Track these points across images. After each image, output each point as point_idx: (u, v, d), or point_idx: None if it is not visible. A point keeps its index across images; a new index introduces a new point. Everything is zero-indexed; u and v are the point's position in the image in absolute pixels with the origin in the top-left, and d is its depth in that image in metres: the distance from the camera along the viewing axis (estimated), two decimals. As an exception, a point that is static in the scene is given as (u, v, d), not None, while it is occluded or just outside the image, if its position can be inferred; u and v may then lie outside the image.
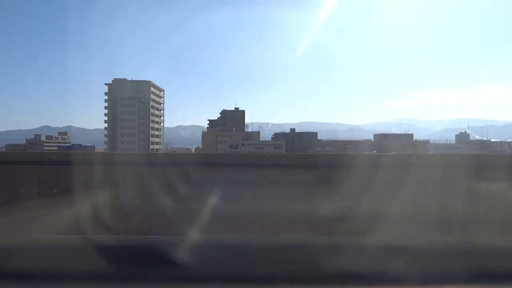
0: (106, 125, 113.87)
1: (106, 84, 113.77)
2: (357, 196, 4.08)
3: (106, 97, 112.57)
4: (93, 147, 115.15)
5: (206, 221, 4.12)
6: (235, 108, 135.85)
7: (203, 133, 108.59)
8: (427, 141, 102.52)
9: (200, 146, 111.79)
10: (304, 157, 5.09)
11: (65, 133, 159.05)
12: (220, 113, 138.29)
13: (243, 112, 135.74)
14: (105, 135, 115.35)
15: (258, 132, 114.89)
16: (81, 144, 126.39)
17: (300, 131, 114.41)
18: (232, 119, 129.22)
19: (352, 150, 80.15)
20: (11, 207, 4.17)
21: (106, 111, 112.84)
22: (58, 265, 1.57)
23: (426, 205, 4.13)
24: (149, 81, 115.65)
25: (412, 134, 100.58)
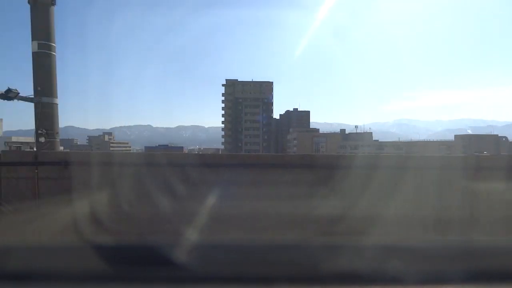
0: (223, 125, 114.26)
1: (223, 85, 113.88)
2: (356, 197, 4.08)
3: (223, 98, 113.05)
4: (181, 148, 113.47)
5: (204, 221, 4.13)
6: (293, 108, 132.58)
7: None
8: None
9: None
10: (303, 158, 5.10)
11: (110, 133, 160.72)
12: (283, 114, 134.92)
13: (308, 112, 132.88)
14: (223, 136, 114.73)
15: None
16: (167, 145, 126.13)
17: (355, 131, 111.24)
18: (297, 119, 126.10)
19: (444, 151, 74.55)
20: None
21: (223, 112, 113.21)
22: (57, 265, 1.58)
23: (424, 205, 4.13)
24: (271, 82, 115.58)
25: (497, 134, 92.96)
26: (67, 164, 4.57)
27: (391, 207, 4.03)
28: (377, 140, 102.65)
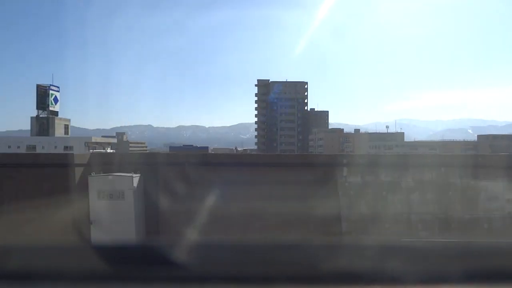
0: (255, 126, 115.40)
1: (256, 85, 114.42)
2: (355, 196, 4.08)
3: (256, 98, 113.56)
4: (206, 148, 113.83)
5: (204, 221, 4.13)
6: (310, 108, 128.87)
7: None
8: None
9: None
10: (303, 157, 5.09)
11: (123, 133, 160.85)
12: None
13: (326, 112, 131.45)
14: (256, 136, 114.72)
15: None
16: (192, 145, 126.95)
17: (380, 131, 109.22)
18: (315, 119, 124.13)
19: (470, 152, 67.53)
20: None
21: (256, 112, 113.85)
22: (57, 265, 1.58)
23: (424, 205, 4.14)
24: (306, 82, 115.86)
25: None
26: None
27: (391, 207, 4.04)
28: (381, 140, 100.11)
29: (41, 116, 79.87)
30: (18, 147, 60.71)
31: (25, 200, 4.38)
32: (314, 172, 4.53)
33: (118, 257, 1.60)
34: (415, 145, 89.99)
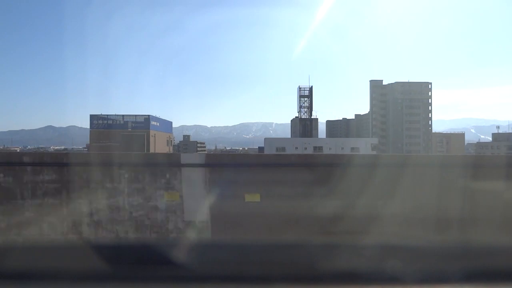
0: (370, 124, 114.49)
1: (372, 85, 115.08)
2: (355, 196, 4.08)
3: (370, 97, 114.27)
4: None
5: (204, 221, 4.14)
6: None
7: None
8: None
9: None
10: (303, 157, 5.10)
11: (188, 135, 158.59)
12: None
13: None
14: (373, 136, 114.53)
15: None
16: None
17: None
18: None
19: None
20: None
21: (371, 111, 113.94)
22: (57, 265, 1.58)
23: (424, 205, 4.14)
24: (430, 82, 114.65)
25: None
26: None
27: (390, 207, 4.03)
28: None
29: (303, 117, 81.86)
30: (305, 148, 61.91)
31: (25, 200, 4.38)
32: (314, 172, 4.52)
33: (118, 257, 1.60)
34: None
